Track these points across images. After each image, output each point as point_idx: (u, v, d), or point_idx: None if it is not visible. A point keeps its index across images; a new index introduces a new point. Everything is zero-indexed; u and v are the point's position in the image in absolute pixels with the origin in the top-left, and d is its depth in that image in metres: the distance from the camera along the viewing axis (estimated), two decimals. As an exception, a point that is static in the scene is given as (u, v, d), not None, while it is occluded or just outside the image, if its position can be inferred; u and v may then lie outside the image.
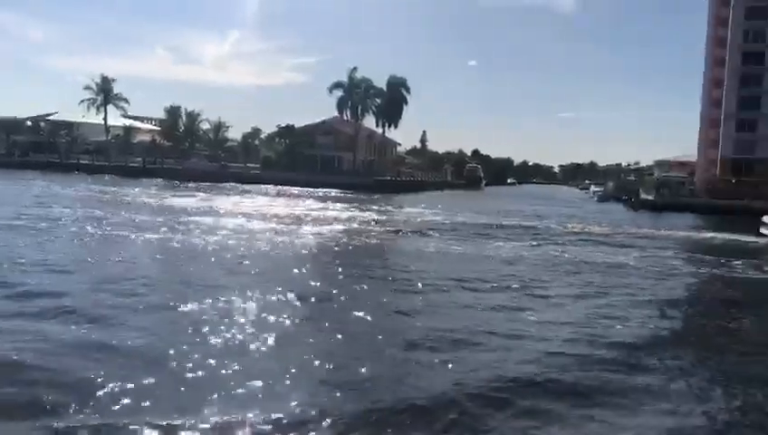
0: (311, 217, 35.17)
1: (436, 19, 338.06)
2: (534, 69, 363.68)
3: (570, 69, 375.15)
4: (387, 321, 12.00)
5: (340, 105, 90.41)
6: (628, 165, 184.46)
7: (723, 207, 68.40)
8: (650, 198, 79.18)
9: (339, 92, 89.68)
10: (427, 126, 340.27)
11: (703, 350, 11.28)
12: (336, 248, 22.11)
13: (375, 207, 46.35)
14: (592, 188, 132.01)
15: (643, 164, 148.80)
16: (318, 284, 15.16)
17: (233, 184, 71.48)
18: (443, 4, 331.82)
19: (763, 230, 36.76)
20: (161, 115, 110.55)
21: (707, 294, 18.35)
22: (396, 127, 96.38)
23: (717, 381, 9.29)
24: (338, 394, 7.74)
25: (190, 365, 8.48)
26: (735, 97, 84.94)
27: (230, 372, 8.30)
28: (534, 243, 27.95)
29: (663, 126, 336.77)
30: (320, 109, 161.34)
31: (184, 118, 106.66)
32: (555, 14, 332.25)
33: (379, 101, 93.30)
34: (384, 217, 37.77)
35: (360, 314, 12.02)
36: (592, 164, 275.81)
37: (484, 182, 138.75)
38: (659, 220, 52.32)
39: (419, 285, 15.69)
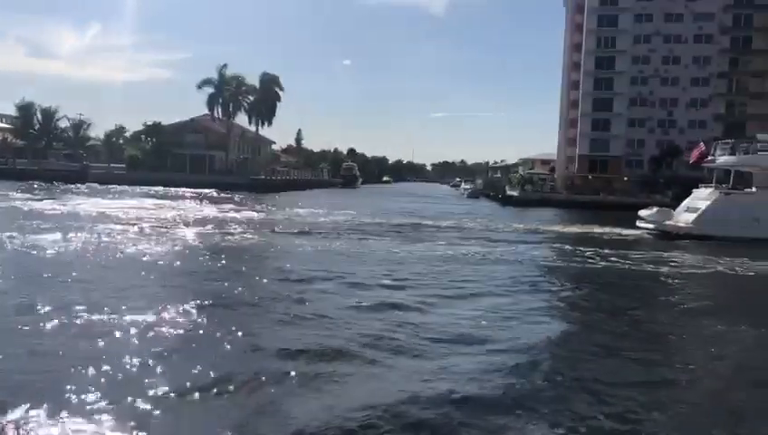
0: (181, 218, 33.57)
1: (310, 18, 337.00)
2: (408, 69, 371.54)
3: (441, 69, 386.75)
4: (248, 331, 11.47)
5: (211, 102, 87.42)
6: (496, 163, 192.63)
7: (581, 202, 73.17)
8: (516, 193, 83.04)
9: (209, 89, 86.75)
10: (302, 125, 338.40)
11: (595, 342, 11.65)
12: (209, 252, 21.13)
13: (251, 207, 45.19)
14: (462, 185, 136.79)
15: (509, 162, 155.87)
16: (189, 290, 14.31)
17: (95, 185, 67.32)
18: (317, 2, 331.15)
19: (639, 223, 39.71)
20: (12, 112, 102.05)
21: (596, 283, 18.96)
22: (270, 125, 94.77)
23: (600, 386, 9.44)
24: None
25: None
26: (590, 98, 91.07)
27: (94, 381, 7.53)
28: (410, 239, 28.27)
29: (528, 125, 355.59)
30: (188, 107, 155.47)
31: (39, 115, 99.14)
32: (427, 16, 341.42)
33: (252, 98, 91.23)
34: (260, 217, 36.84)
35: (231, 323, 11.42)
36: (462, 162, 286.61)
37: (360, 181, 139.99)
38: (524, 214, 54.93)
39: (295, 286, 15.25)
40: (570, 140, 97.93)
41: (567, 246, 28.15)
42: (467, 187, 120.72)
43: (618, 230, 38.43)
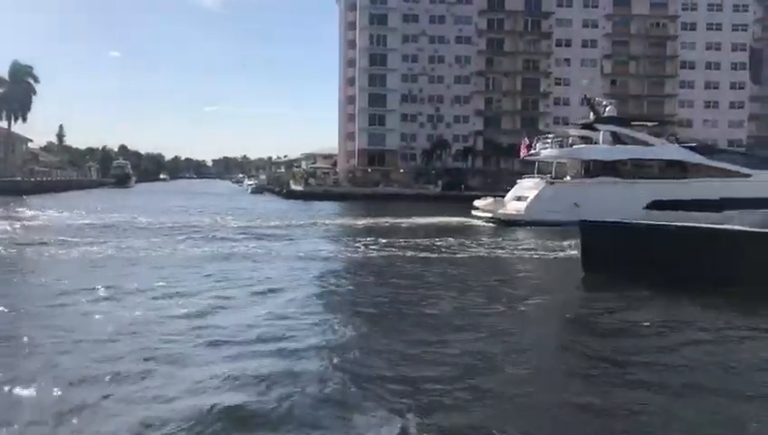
0: None
1: (72, 6, 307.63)
2: (183, 62, 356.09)
3: (220, 63, 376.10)
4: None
5: (-53, 94, 76.03)
6: (279, 158, 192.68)
7: (363, 194, 75.86)
8: (300, 188, 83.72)
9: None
10: (67, 120, 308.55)
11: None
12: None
13: (3, 214, 39.86)
14: (246, 181, 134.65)
15: (292, 157, 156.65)
16: None
17: None
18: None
19: (475, 213, 43.00)
20: None
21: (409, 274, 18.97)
22: (25, 120, 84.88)
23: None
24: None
25: None
26: (366, 94, 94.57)
27: None
28: (185, 239, 26.83)
29: (310, 120, 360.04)
30: None
31: None
32: (201, 8, 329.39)
33: (0, 90, 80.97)
34: (13, 226, 32.52)
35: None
36: (245, 157, 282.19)
37: (134, 179, 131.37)
38: (310, 208, 55.41)
39: (46, 302, 13.54)
40: (349, 134, 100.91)
41: (382, 239, 28.68)
42: (251, 182, 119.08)
43: (457, 219, 40.43)
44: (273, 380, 8.41)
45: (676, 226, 17.92)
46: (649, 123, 51.56)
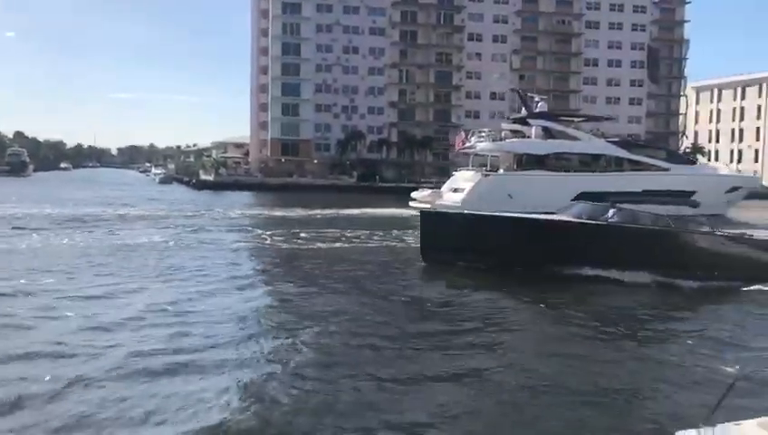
0: None
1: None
2: (87, 46, 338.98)
3: (124, 48, 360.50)
4: None
5: None
6: (188, 147, 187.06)
7: (276, 185, 74.75)
8: (210, 178, 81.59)
9: None
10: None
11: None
12: None
13: None
14: (153, 170, 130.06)
15: (202, 146, 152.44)
16: None
17: None
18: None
19: (412, 204, 43.87)
20: None
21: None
22: None
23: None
24: None
25: None
26: (279, 83, 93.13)
27: None
28: (87, 231, 25.58)
29: (222, 109, 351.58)
30: None
31: None
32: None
33: None
34: None
35: None
36: (152, 146, 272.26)
37: (31, 168, 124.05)
38: (223, 199, 54.10)
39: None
40: (262, 123, 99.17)
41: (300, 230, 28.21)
42: (159, 172, 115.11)
43: (396, 211, 40.87)
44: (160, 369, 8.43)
45: (510, 216, 18.98)
46: (577, 118, 54.30)
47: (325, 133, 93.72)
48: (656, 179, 45.47)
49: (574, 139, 47.52)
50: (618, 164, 47.12)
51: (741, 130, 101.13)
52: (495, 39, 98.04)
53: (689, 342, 11.31)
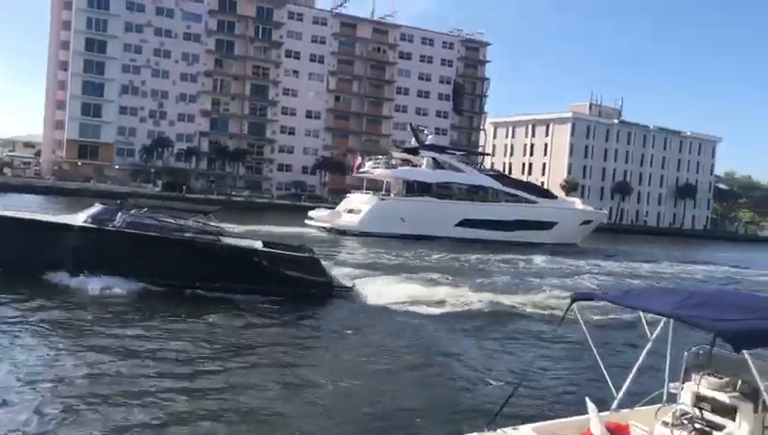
0: None
1: None
2: None
3: None
4: None
5: None
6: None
7: (71, 189, 68.70)
8: (-8, 178, 73.04)
9: None
10: None
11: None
12: None
13: None
14: None
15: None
16: None
17: None
18: None
19: (309, 223, 47.33)
20: None
21: None
22: None
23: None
24: None
25: None
26: (80, 81, 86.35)
27: None
28: None
29: (9, 103, 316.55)
30: None
31: None
32: None
33: None
34: None
35: None
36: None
37: None
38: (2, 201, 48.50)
39: None
40: (58, 122, 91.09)
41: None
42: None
43: (287, 229, 40.35)
44: None
45: (12, 216, 17.59)
46: (459, 152, 60.70)
47: (129, 138, 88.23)
48: (527, 210, 51.49)
49: (459, 170, 52.10)
50: (495, 195, 52.78)
51: (530, 165, 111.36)
52: (313, 58, 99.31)
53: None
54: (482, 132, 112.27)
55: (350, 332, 14.27)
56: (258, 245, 18.64)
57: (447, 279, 22.05)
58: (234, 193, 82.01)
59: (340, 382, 10.10)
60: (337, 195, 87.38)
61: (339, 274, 19.52)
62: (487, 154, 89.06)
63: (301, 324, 14.92)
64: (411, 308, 16.62)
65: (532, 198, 53.49)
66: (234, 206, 66.15)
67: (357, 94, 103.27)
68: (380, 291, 17.99)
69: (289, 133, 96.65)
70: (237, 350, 11.88)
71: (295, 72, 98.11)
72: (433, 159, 51.86)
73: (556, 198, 60.49)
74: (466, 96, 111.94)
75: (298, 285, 17.03)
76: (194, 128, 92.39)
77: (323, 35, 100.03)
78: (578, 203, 58.33)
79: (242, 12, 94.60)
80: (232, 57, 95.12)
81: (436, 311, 16.73)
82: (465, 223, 49.01)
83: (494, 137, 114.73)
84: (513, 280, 24.43)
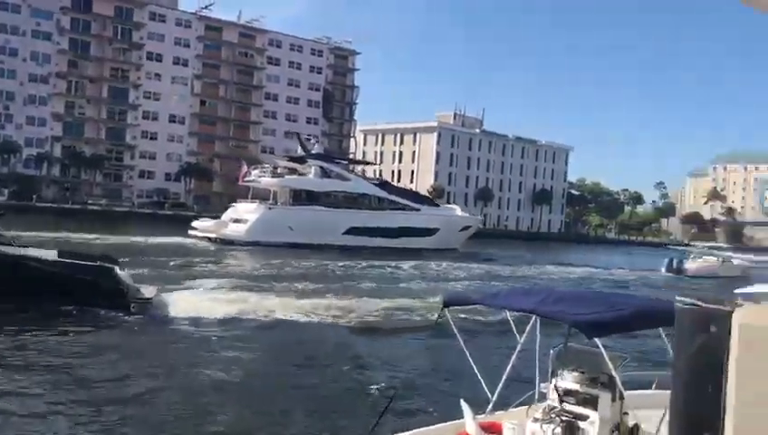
0: None
1: None
2: None
3: None
4: None
5: None
6: None
7: None
8: None
9: None
10: None
11: None
12: None
13: None
14: None
15: None
16: None
17: None
18: None
19: (193, 233, 47.02)
20: None
21: None
22: None
23: None
24: None
25: None
26: None
27: None
28: None
29: None
30: None
31: None
32: None
33: None
34: None
35: None
36: None
37: None
38: None
39: None
40: None
41: None
42: None
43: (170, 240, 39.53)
44: None
45: None
46: (343, 161, 61.85)
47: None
48: (410, 218, 53.24)
49: (346, 179, 53.29)
50: (380, 203, 53.93)
51: (399, 172, 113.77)
52: (177, 61, 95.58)
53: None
54: (352, 140, 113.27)
55: (128, 348, 13.33)
56: (50, 254, 17.55)
57: (308, 288, 21.91)
58: (90, 202, 77.06)
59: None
60: (203, 203, 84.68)
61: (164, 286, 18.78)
62: (373, 164, 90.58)
63: (63, 340, 13.65)
64: (228, 319, 16.15)
65: (416, 205, 55.52)
66: (89, 215, 62.21)
67: (223, 99, 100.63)
68: (191, 303, 17.29)
69: (151, 138, 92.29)
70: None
71: (158, 75, 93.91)
72: (321, 167, 52.56)
73: (438, 205, 63.37)
74: (336, 103, 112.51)
75: (87, 296, 16.08)
76: (45, 132, 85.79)
77: (187, 38, 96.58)
78: (458, 210, 61.65)
79: (99, 11, 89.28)
80: (87, 58, 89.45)
81: (265, 321, 16.40)
82: (352, 231, 50.13)
83: (365, 144, 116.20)
84: (380, 286, 24.69)
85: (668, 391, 7.09)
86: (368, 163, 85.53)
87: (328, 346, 14.43)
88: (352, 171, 58.09)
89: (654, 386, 6.91)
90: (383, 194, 54.93)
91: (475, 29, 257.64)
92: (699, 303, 2.64)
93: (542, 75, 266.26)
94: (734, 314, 1.37)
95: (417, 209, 55.07)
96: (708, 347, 2.53)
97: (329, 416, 9.13)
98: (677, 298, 2.74)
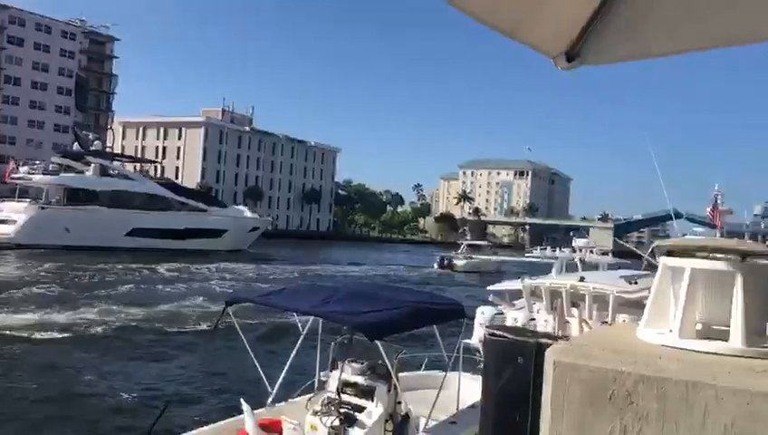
0: None
1: None
2: None
3: None
4: None
5: None
6: None
7: None
8: None
9: None
10: None
11: None
12: None
13: None
14: None
15: None
16: None
17: None
18: None
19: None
20: None
21: None
22: None
23: None
24: None
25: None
26: None
27: None
28: None
29: None
30: None
31: None
32: None
33: None
34: None
35: None
36: None
37: None
38: None
39: None
40: None
41: None
42: None
43: None
44: None
45: None
46: (126, 160, 59.05)
47: None
48: (197, 219, 52.15)
49: (129, 178, 51.18)
50: (167, 204, 51.88)
51: (163, 168, 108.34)
52: None
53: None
54: (110, 132, 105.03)
55: None
56: None
57: (71, 295, 20.05)
58: None
59: None
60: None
61: None
62: (156, 162, 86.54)
63: None
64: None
65: (203, 206, 54.39)
66: None
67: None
68: None
69: None
70: None
71: None
72: (101, 165, 49.90)
73: (226, 206, 62.04)
74: (92, 92, 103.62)
75: None
76: None
77: None
78: (246, 211, 61.55)
79: None
80: None
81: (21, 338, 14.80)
82: (136, 232, 47.92)
83: (124, 138, 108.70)
84: (144, 291, 23.40)
85: (436, 372, 7.77)
86: (153, 162, 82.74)
87: (86, 364, 13.19)
88: (136, 170, 56.65)
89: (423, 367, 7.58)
90: (171, 195, 53.14)
91: (249, 27, 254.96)
92: (507, 335, 2.85)
93: (318, 77, 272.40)
94: (547, 351, 1.43)
95: (205, 210, 54.16)
96: (515, 378, 2.73)
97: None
98: (486, 328, 2.96)
